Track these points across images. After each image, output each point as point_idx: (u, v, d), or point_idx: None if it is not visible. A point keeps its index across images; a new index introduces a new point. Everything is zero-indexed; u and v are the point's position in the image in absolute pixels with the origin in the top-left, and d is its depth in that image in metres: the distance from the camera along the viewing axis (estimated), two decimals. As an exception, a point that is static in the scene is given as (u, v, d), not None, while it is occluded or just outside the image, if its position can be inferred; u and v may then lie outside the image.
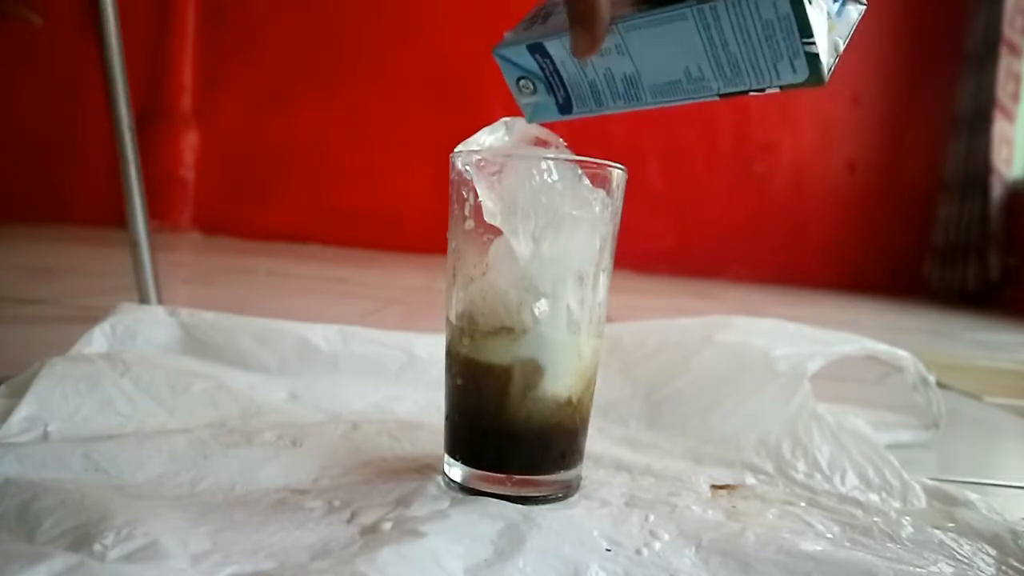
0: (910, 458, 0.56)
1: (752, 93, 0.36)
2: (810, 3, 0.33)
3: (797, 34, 0.33)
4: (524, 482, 0.42)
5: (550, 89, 0.42)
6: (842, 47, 0.35)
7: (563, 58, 0.41)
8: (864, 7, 0.36)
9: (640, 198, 2.47)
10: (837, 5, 0.35)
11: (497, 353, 0.42)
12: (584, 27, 0.38)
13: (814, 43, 0.33)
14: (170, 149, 2.56)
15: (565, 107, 0.43)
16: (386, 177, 2.62)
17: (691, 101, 0.39)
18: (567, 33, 0.39)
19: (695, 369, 0.62)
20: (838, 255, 2.70)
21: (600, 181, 0.42)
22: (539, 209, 0.41)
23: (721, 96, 0.37)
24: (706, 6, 0.34)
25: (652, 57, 0.38)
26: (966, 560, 0.39)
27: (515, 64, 0.42)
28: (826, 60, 0.34)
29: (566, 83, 0.42)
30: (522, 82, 0.43)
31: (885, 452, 0.53)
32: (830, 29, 0.34)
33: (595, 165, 0.42)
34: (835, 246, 2.70)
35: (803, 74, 0.34)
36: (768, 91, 0.36)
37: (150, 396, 0.52)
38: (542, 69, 0.42)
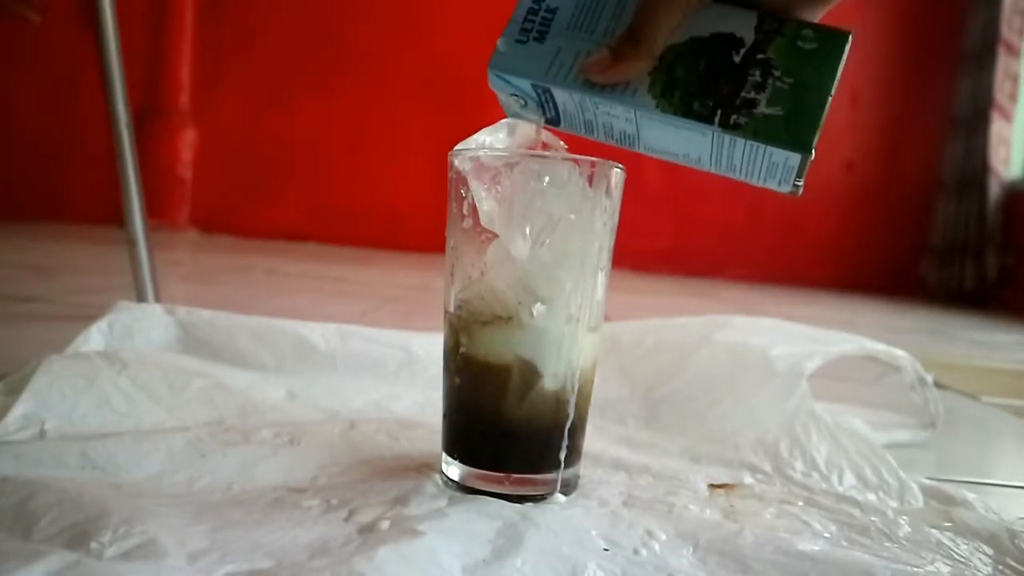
0: (908, 457, 0.56)
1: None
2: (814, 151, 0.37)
3: (794, 175, 0.39)
4: (522, 481, 0.42)
5: (541, 107, 0.42)
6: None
7: (566, 102, 0.41)
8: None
9: (638, 197, 2.46)
10: None
11: (496, 352, 0.42)
12: (620, 60, 0.38)
13: (802, 182, 0.39)
14: (168, 147, 2.56)
15: (553, 122, 0.43)
16: (384, 176, 2.62)
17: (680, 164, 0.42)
18: (580, 92, 0.39)
19: (693, 368, 0.62)
20: (836, 255, 2.70)
21: (598, 181, 0.42)
22: (537, 210, 0.41)
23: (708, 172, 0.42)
24: (727, 136, 0.38)
25: (658, 138, 0.40)
26: (963, 560, 0.39)
27: (510, 84, 0.41)
28: (803, 183, 0.39)
29: (560, 112, 0.42)
30: (513, 97, 0.42)
31: (883, 451, 0.53)
32: None
33: (593, 165, 0.42)
34: (833, 246, 2.70)
35: (786, 189, 0.40)
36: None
37: (148, 394, 0.52)
38: (540, 100, 0.42)
